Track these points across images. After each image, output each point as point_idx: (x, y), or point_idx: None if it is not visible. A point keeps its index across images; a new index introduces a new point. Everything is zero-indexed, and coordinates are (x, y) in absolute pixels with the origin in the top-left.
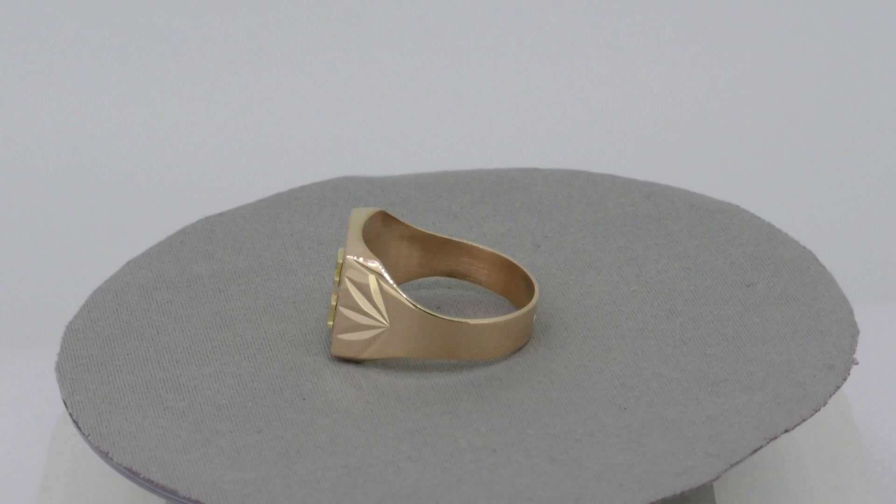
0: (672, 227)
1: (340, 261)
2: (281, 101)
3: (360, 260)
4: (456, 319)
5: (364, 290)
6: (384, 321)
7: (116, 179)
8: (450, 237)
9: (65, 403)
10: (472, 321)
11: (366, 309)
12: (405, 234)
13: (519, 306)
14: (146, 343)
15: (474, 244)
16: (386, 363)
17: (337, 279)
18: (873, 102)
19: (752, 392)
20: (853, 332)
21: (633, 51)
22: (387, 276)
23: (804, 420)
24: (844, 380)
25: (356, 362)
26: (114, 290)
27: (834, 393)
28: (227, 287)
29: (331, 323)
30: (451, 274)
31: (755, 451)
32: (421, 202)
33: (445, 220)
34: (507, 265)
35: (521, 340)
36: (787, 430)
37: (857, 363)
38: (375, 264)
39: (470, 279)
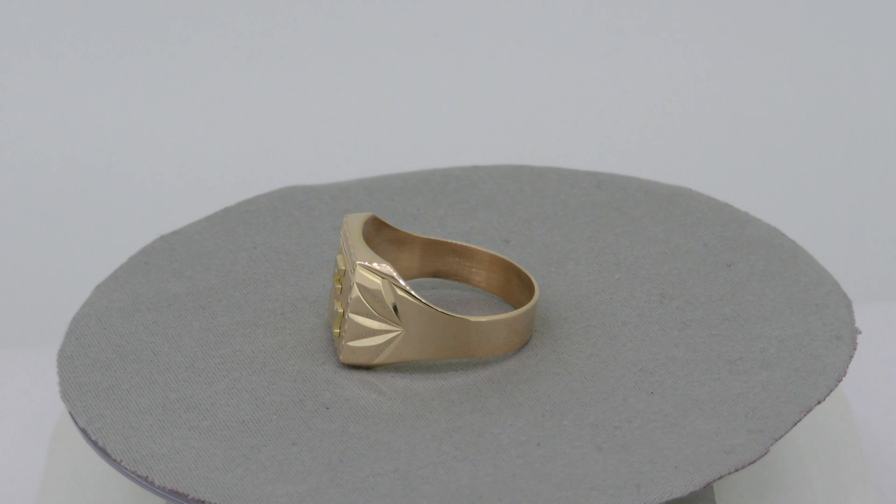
0: (633, 213)
1: (343, 267)
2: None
3: (371, 265)
4: (469, 318)
5: (376, 294)
6: (397, 325)
7: (115, 178)
8: (443, 239)
9: (84, 432)
10: (483, 318)
11: (378, 314)
12: (396, 238)
13: (514, 303)
14: (146, 365)
15: (468, 245)
16: (396, 367)
17: (339, 286)
18: (873, 102)
19: (772, 368)
20: (847, 303)
21: (614, 47)
22: (399, 278)
23: (831, 391)
24: (854, 349)
25: (367, 368)
26: (95, 315)
27: (849, 362)
28: (208, 304)
29: (337, 330)
30: (446, 276)
31: (795, 424)
32: (375, 207)
33: (405, 222)
34: (503, 264)
35: (527, 335)
36: (819, 402)
37: (860, 332)
38: (387, 268)
39: (465, 280)
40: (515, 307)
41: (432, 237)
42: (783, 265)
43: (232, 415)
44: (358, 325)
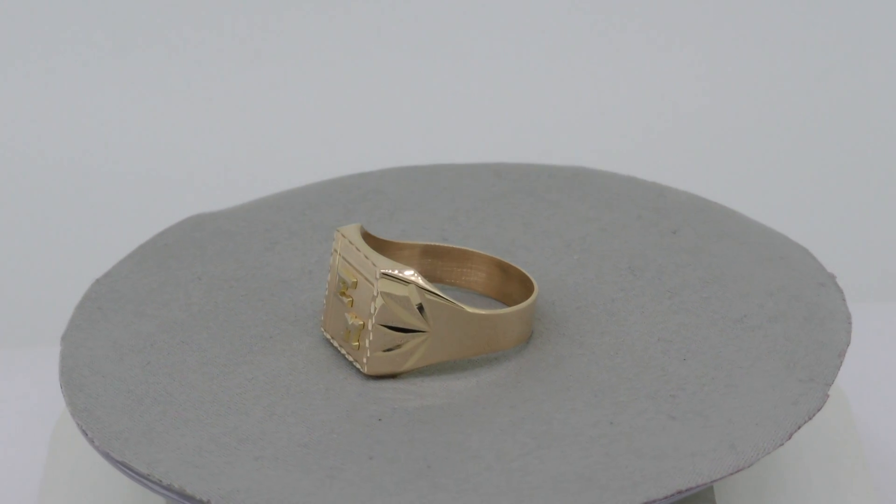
0: (549, 197)
1: (353, 279)
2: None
3: (394, 272)
4: (493, 312)
5: (402, 301)
6: (424, 329)
7: (114, 178)
8: (435, 243)
9: (148, 478)
10: (502, 312)
11: (406, 320)
12: (383, 247)
13: (508, 301)
14: (171, 405)
15: (463, 248)
16: (420, 371)
17: (348, 299)
18: (871, 103)
19: (780, 320)
20: (804, 251)
21: (609, 47)
22: (426, 282)
23: (849, 334)
24: (842, 292)
25: (392, 377)
26: (86, 365)
27: (846, 305)
28: (189, 338)
29: (356, 343)
30: (439, 279)
31: (838, 368)
32: (288, 221)
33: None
34: (497, 263)
35: (531, 326)
36: (848, 345)
37: (835, 276)
38: (413, 273)
39: (460, 282)
40: (509, 305)
41: (420, 242)
42: (724, 226)
43: (290, 440)
44: (385, 334)
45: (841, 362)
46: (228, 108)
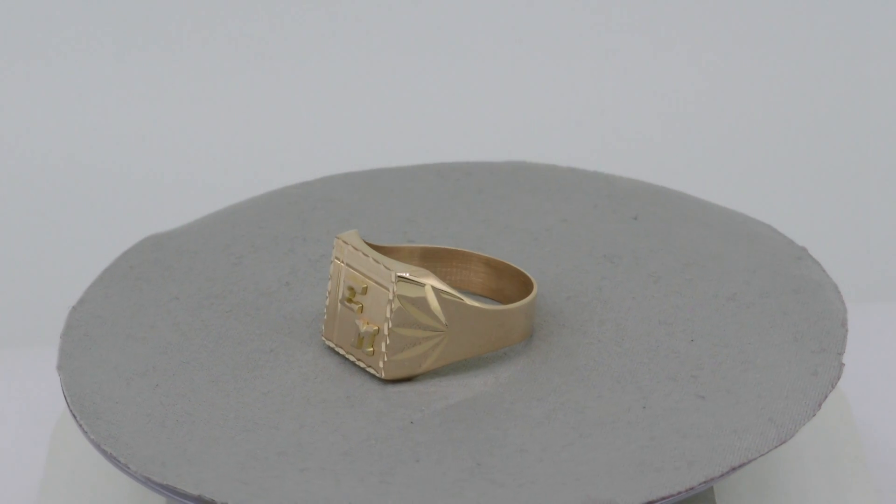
0: (496, 193)
1: (363, 285)
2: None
3: (409, 275)
4: (504, 308)
5: (419, 302)
6: (441, 329)
7: (114, 177)
8: (433, 246)
9: (197, 499)
10: (511, 307)
11: (423, 321)
12: (380, 252)
13: (505, 301)
14: (197, 426)
15: (461, 249)
16: (435, 373)
17: (357, 305)
18: (869, 103)
19: (773, 295)
20: (769, 228)
21: (606, 47)
22: (440, 282)
23: (844, 303)
24: (819, 263)
25: (408, 380)
26: (97, 392)
27: (825, 271)
28: (192, 358)
29: (370, 349)
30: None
31: (845, 337)
32: (249, 235)
33: (300, 246)
34: (497, 264)
35: (533, 320)
36: (846, 314)
37: (805, 248)
38: (427, 274)
39: (460, 282)
40: (505, 303)
41: (418, 245)
42: (684, 209)
43: (329, 449)
44: (402, 337)
45: (846, 332)
46: (237, 105)
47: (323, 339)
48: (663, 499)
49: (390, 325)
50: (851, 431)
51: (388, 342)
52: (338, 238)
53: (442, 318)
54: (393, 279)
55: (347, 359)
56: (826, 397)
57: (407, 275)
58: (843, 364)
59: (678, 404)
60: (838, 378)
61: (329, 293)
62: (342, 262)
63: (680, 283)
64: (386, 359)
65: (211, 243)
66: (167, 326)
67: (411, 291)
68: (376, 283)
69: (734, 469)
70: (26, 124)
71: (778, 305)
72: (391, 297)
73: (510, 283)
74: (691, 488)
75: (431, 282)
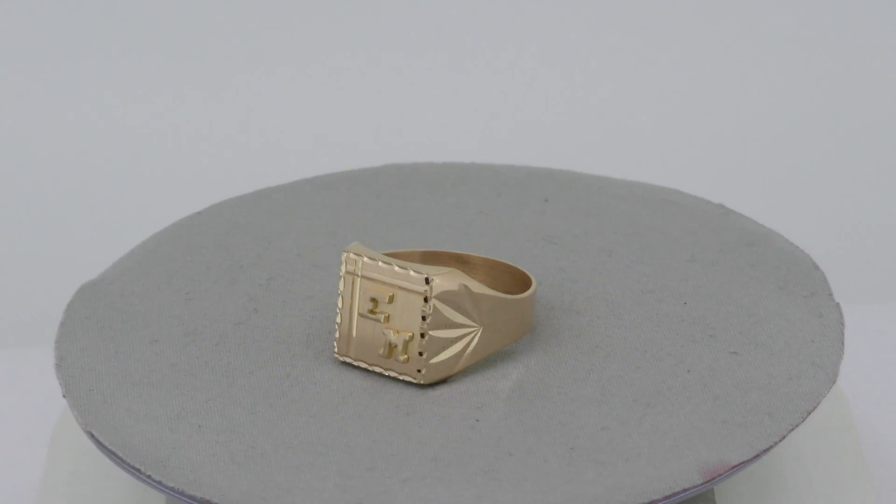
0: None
1: (390, 293)
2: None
3: (439, 276)
4: (522, 296)
5: (453, 302)
6: (474, 326)
7: (113, 177)
8: (428, 249)
9: None
10: (525, 296)
11: (457, 321)
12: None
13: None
14: (281, 469)
15: (462, 253)
16: (461, 375)
17: (384, 314)
18: (869, 103)
19: (728, 251)
20: (675, 192)
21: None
22: (468, 278)
23: (800, 249)
24: (744, 214)
25: (443, 381)
26: (137, 433)
27: (758, 222)
28: (207, 397)
29: (404, 357)
30: None
31: (825, 280)
32: (191, 274)
33: (272, 258)
34: (500, 266)
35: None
36: (812, 259)
37: (723, 204)
38: (456, 272)
39: None
40: None
41: (417, 250)
42: (586, 187)
43: (415, 458)
44: (438, 340)
45: (824, 275)
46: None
47: (336, 356)
48: (766, 450)
49: (427, 329)
50: (851, 431)
51: (425, 346)
52: (346, 252)
53: (475, 315)
54: (425, 282)
55: (371, 371)
56: (843, 337)
57: (438, 276)
58: (839, 304)
59: (717, 363)
60: (843, 320)
61: (340, 310)
62: (356, 275)
63: (633, 253)
64: (425, 363)
65: (150, 283)
66: (164, 369)
67: (446, 291)
68: (405, 289)
69: (808, 413)
70: (25, 124)
71: (742, 259)
72: (427, 299)
73: (508, 281)
74: (783, 437)
75: (462, 280)
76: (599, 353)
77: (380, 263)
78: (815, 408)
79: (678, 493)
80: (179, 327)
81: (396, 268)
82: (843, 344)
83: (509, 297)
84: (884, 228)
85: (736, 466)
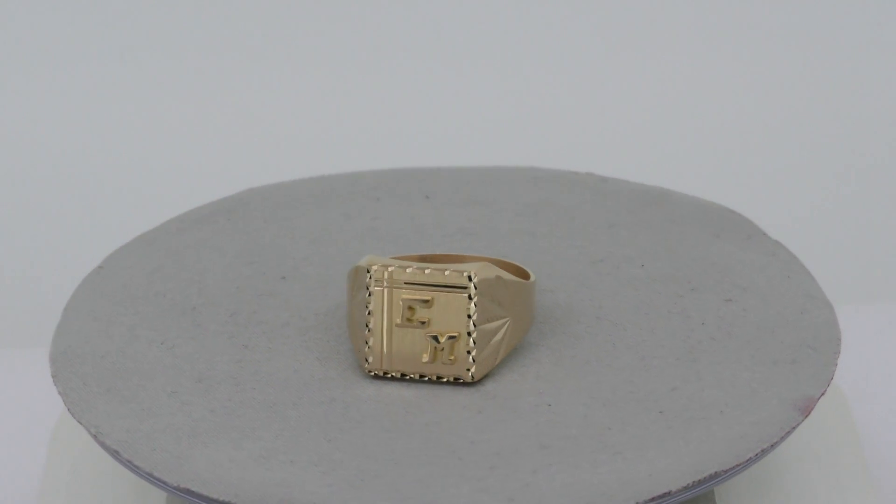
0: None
1: (427, 298)
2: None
3: (482, 270)
4: (531, 281)
5: (492, 294)
6: (508, 316)
7: (113, 177)
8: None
9: None
10: (531, 280)
11: (497, 313)
12: None
13: None
14: (364, 475)
15: (458, 254)
16: (492, 371)
17: (425, 320)
18: (869, 103)
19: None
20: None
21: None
22: (497, 269)
23: (751, 219)
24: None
25: (484, 378)
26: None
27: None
28: (265, 409)
29: (451, 357)
30: None
31: (794, 256)
32: (157, 324)
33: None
34: (498, 264)
35: None
36: (755, 224)
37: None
38: (490, 265)
39: None
40: None
41: (415, 253)
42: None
43: (527, 448)
44: (485, 333)
45: (742, 216)
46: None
47: (367, 371)
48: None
49: (474, 324)
50: (851, 431)
51: (474, 342)
52: (371, 267)
53: (507, 305)
54: (468, 278)
55: (413, 378)
56: (807, 269)
57: (477, 271)
58: (777, 240)
59: (722, 312)
60: (792, 253)
61: (371, 328)
62: (385, 286)
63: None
64: (475, 359)
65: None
66: (191, 384)
67: (485, 284)
68: (446, 289)
69: (839, 341)
70: (23, 124)
71: (658, 217)
72: (471, 296)
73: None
74: (824, 393)
75: (494, 270)
76: (616, 348)
77: (413, 270)
78: (840, 337)
79: (788, 433)
80: (191, 369)
81: (432, 270)
82: (811, 275)
83: (527, 282)
84: (882, 229)
85: (820, 398)
